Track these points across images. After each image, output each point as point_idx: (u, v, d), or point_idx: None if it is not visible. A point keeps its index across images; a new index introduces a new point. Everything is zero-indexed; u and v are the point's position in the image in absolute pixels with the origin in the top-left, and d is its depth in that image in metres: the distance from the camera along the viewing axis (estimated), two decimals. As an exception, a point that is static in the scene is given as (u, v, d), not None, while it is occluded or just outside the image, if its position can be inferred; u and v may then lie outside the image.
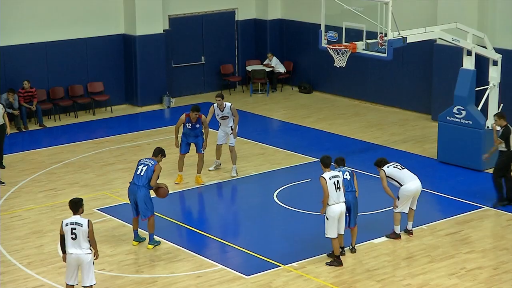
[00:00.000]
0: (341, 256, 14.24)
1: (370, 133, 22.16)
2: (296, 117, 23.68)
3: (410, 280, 13.62)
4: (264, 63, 27.07)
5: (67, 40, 23.95)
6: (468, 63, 19.00)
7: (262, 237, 15.84)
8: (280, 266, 14.16)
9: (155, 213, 15.00)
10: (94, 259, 12.27)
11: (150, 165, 14.78)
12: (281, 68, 26.92)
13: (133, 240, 15.09)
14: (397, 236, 15.19)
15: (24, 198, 17.57)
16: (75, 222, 12.00)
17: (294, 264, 14.22)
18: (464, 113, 18.85)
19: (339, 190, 13.90)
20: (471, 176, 18.63)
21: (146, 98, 25.03)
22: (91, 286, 12.22)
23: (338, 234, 14.07)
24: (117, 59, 24.93)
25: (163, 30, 25.19)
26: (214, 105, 18.70)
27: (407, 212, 15.18)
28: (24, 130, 22.74)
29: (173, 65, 26.01)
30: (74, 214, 12.11)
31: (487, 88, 19.39)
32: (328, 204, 13.84)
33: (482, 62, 19.75)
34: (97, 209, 16.73)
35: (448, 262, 14.25)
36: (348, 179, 14.44)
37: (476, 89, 19.10)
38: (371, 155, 20.24)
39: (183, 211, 16.36)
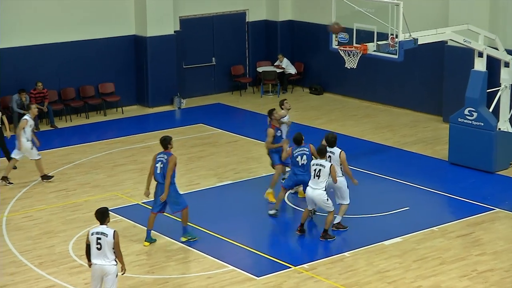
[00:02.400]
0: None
1: (381, 134, 22.14)
2: (307, 118, 23.67)
3: (421, 282, 13.59)
4: (275, 64, 27.07)
5: (79, 41, 24.02)
6: (480, 65, 18.95)
7: (273, 238, 15.84)
8: (291, 267, 14.15)
9: (184, 209, 15.01)
10: (122, 273, 12.03)
11: (164, 160, 14.81)
12: (291, 69, 26.92)
13: (145, 241, 15.10)
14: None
15: (35, 199, 17.62)
16: (101, 232, 11.70)
17: (305, 265, 14.22)
18: (475, 114, 18.80)
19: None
20: (482, 178, 18.58)
21: (157, 99, 25.07)
22: None
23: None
24: (128, 60, 24.98)
25: (174, 31, 25.22)
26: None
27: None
28: (35, 130, 22.74)
29: (183, 66, 26.04)
30: (101, 224, 11.83)
31: (499, 89, 19.34)
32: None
33: (493, 64, 19.69)
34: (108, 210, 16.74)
35: (459, 264, 14.22)
36: None
37: (488, 90, 19.05)
38: (382, 157, 20.28)
39: (194, 212, 16.31)
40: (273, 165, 17.24)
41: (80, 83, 24.23)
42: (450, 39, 19.17)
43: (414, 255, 14.58)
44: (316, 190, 14.95)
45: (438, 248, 14.86)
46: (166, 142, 15.00)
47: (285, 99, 18.10)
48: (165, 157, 14.83)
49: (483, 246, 14.99)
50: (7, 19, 22.81)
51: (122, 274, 12.16)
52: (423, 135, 22.04)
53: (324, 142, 15.52)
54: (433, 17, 22.58)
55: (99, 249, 11.70)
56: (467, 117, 18.93)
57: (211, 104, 25.76)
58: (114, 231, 11.78)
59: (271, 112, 17.16)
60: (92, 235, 11.78)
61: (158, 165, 14.84)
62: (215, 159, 20.05)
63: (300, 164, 15.79)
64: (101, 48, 24.44)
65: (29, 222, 16.36)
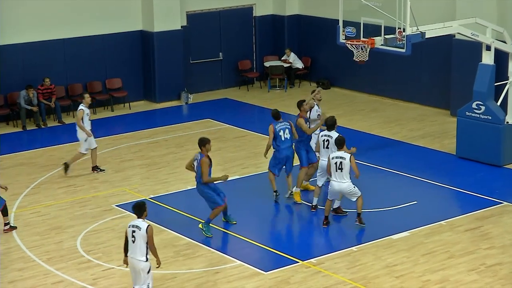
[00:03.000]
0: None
1: (389, 128, 22.10)
2: (314, 113, 23.62)
3: (429, 276, 13.56)
4: (282, 59, 27.03)
5: (86, 37, 24.03)
6: (487, 58, 18.88)
7: (281, 233, 15.84)
8: (298, 262, 14.14)
9: (220, 205, 15.10)
10: (157, 267, 12.14)
11: (198, 160, 14.84)
12: (299, 64, 26.89)
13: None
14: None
15: (43, 194, 17.65)
16: (136, 225, 11.82)
17: (312, 260, 14.20)
18: (483, 108, 18.74)
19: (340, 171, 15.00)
20: (490, 172, 18.53)
21: (164, 94, 25.08)
22: None
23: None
24: (135, 56, 24.99)
25: (181, 26, 25.22)
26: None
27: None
28: (43, 126, 22.85)
29: (191, 61, 26.03)
30: (138, 218, 11.92)
31: (507, 83, 19.27)
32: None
33: (501, 57, 19.61)
34: (116, 205, 16.78)
35: (467, 258, 14.18)
36: None
37: (496, 84, 18.98)
38: (390, 151, 20.25)
39: (202, 207, 16.34)
40: (301, 166, 16.94)
41: (87, 79, 24.26)
42: (458, 33, 19.10)
43: (422, 249, 14.55)
44: (343, 184, 15.03)
45: (446, 242, 14.83)
46: (200, 144, 14.94)
47: (315, 90, 17.91)
48: (199, 157, 14.92)
49: (491, 240, 14.95)
50: (14, 15, 22.84)
51: (157, 267, 12.22)
52: (431, 129, 21.99)
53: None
54: (441, 11, 22.51)
55: (133, 241, 11.83)
56: (475, 110, 18.88)
57: (218, 99, 25.75)
58: (148, 225, 11.86)
59: (300, 103, 17.07)
60: (129, 227, 11.94)
61: (195, 163, 15.02)
62: (223, 154, 20.04)
63: (283, 139, 16.30)
64: (108, 43, 24.45)
65: (37, 218, 16.39)
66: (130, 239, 11.88)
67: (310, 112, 17.28)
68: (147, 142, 21.34)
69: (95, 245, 14.92)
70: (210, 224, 15.22)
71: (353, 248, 14.62)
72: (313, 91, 17.88)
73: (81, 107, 18.43)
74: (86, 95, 18.66)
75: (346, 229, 15.47)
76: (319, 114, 17.34)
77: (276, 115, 16.61)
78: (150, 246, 11.86)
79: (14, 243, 15.14)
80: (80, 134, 18.47)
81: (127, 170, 19.09)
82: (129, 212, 16.32)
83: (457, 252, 14.41)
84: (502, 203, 16.68)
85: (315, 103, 17.50)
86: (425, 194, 17.24)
